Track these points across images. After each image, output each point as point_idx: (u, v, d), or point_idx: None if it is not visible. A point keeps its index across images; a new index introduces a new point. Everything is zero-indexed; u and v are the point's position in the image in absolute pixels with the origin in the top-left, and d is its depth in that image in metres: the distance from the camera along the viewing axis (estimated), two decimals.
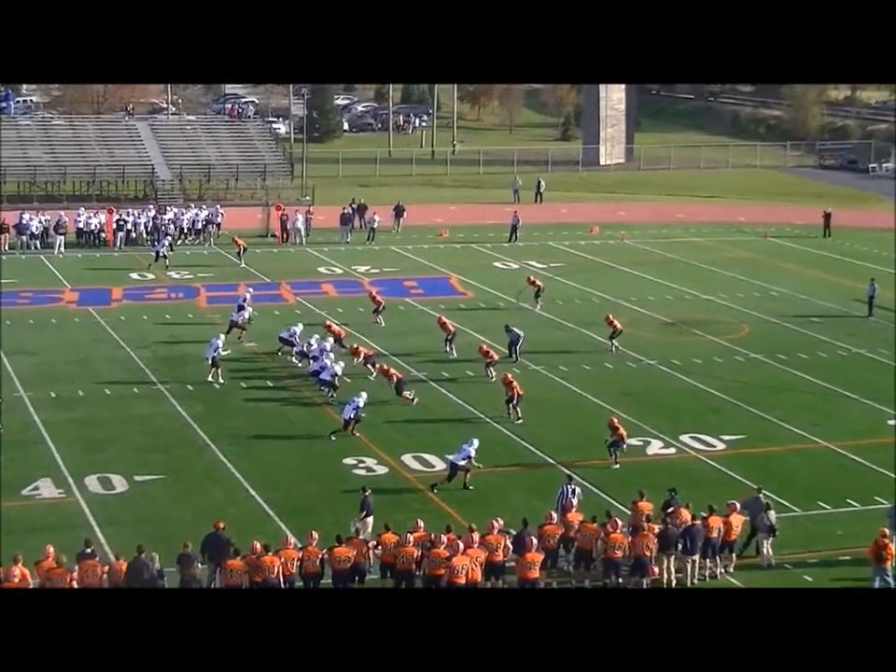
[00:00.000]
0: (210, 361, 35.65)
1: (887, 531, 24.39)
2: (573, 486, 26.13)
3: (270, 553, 22.25)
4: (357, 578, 22.80)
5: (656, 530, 23.95)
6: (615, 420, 30.47)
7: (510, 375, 33.82)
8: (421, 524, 23.65)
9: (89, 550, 22.33)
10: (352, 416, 31.64)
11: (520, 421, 32.72)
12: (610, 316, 40.98)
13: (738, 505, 24.96)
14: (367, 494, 25.59)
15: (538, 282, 46.74)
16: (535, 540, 23.17)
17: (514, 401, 33.07)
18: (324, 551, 22.66)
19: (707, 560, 24.36)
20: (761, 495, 25.96)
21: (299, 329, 38.70)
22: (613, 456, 29.94)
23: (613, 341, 40.24)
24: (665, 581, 23.93)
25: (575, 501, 25.46)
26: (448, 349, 39.23)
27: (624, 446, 30.03)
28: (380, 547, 23.21)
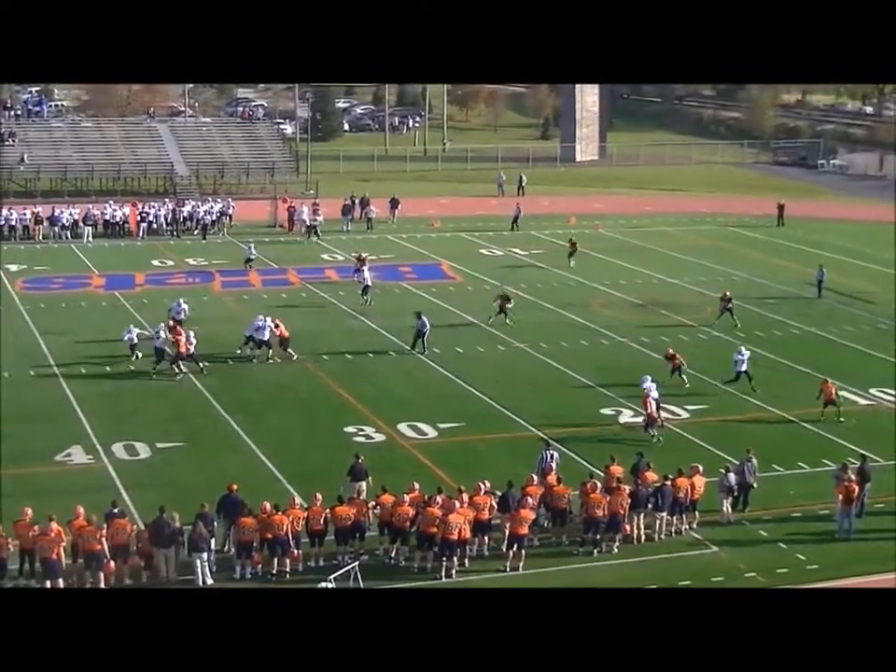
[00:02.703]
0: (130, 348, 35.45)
1: (853, 476, 24.64)
2: (551, 451, 26.17)
3: (279, 513, 22.29)
4: (357, 535, 22.85)
5: (628, 490, 24.01)
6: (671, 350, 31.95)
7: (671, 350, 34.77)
8: (416, 486, 23.67)
9: (116, 510, 22.36)
10: (744, 370, 33.46)
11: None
12: (727, 293, 41.51)
13: (700, 468, 25.03)
14: (359, 461, 25.37)
15: (575, 242, 50.78)
16: (530, 500, 23.15)
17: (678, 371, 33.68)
18: (327, 510, 22.69)
19: (675, 517, 24.44)
20: (747, 456, 25.97)
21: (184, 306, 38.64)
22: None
23: (732, 315, 40.79)
24: (635, 537, 24.01)
25: (553, 465, 25.50)
26: (507, 320, 40.05)
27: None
28: (378, 507, 23.24)
